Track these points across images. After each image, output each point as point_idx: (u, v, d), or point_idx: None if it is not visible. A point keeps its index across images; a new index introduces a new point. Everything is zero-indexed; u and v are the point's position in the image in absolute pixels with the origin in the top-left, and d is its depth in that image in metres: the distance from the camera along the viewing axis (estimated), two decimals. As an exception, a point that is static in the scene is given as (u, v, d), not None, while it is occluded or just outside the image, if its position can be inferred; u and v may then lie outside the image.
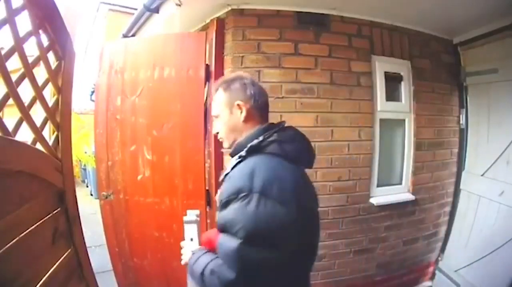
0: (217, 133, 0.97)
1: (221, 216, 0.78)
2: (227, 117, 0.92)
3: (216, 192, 1.94)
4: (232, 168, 0.85)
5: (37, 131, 0.96)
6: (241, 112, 0.90)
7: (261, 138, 0.83)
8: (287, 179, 0.78)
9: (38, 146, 0.97)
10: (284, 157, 0.81)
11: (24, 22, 0.89)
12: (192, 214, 1.00)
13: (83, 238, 1.21)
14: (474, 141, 2.33)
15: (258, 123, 0.91)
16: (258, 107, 0.92)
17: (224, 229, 0.76)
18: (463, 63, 2.36)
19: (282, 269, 0.75)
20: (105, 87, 2.09)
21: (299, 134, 0.91)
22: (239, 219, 0.72)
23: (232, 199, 0.75)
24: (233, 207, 0.74)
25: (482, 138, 2.24)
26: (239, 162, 0.84)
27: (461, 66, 2.36)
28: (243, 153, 0.83)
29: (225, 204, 0.77)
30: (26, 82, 0.90)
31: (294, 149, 0.84)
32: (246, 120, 0.90)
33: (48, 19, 0.99)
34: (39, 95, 0.96)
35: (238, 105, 0.90)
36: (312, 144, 2.06)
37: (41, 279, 0.88)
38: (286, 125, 0.93)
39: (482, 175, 2.18)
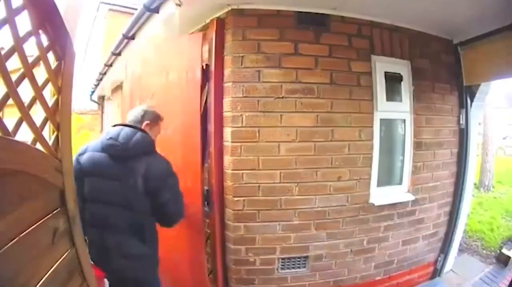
0: None
1: None
2: None
3: (217, 192, 1.94)
4: None
5: (37, 131, 0.95)
6: None
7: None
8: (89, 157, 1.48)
9: (38, 146, 0.96)
10: (99, 149, 1.47)
11: (24, 22, 0.89)
12: None
13: (83, 238, 1.21)
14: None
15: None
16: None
17: None
18: (463, 63, 2.36)
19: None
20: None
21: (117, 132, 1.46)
22: None
23: None
24: None
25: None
26: None
27: (461, 66, 2.36)
28: None
29: None
30: (26, 82, 0.90)
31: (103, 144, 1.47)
32: None
33: (48, 19, 0.98)
34: (39, 95, 0.96)
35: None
36: (312, 144, 2.05)
37: (41, 279, 0.87)
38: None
39: None
